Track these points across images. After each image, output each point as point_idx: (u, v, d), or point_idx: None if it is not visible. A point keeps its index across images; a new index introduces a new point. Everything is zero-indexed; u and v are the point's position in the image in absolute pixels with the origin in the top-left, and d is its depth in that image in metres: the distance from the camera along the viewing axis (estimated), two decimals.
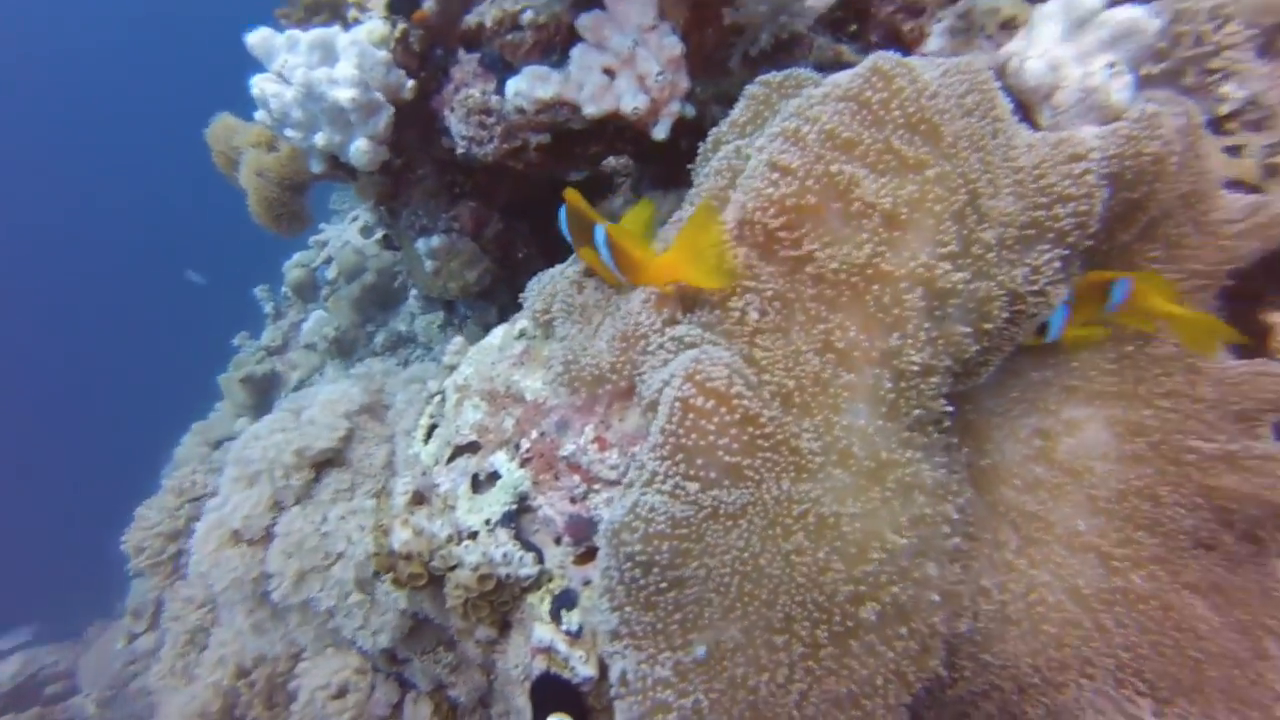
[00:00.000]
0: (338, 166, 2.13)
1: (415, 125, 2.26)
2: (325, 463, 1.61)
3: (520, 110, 1.97)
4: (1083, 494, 1.41)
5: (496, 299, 2.78)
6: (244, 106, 2.05)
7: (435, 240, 2.45)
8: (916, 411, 1.08)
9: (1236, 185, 1.83)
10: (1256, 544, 1.30)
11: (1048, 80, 1.25)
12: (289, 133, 1.88)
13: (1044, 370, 1.49)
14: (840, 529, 0.99)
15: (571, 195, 1.26)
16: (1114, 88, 1.18)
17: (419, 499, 1.32)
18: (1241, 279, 1.97)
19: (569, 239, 1.32)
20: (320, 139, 1.88)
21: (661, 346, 1.14)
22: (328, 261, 5.60)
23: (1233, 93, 1.81)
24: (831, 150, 1.06)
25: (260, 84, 1.79)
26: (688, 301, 1.19)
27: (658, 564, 1.01)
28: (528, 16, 2.10)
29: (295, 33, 1.74)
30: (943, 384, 1.12)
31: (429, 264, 2.49)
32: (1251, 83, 1.82)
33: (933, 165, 1.07)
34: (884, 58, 1.08)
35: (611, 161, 2.50)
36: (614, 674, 1.04)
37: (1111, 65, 1.18)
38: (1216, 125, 1.94)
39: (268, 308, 5.66)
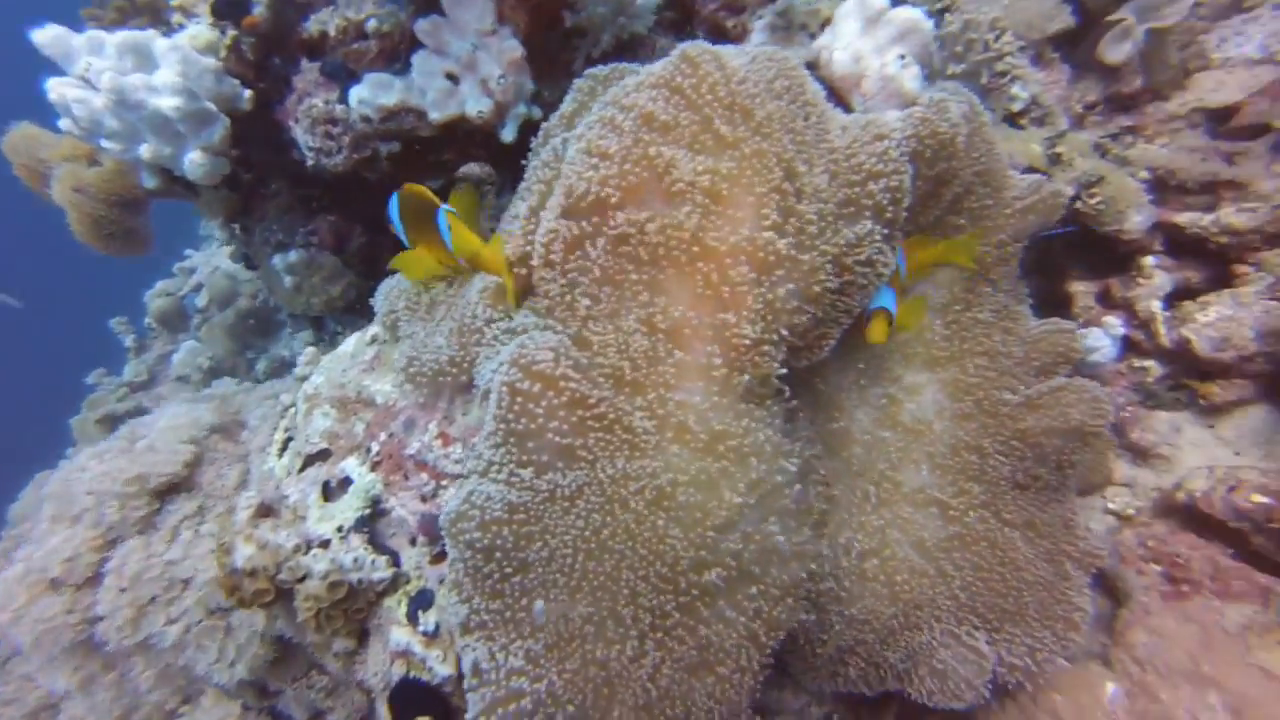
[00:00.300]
0: (174, 181, 2.01)
1: (262, 138, 2.17)
2: (170, 490, 1.49)
3: (366, 119, 1.93)
4: (923, 452, 1.52)
5: (365, 312, 2.69)
6: (37, 113, 1.88)
7: (292, 255, 2.35)
8: (750, 383, 1.13)
9: (1031, 170, 2.04)
10: (1063, 473, 1.45)
11: (853, 70, 1.34)
12: (106, 144, 1.75)
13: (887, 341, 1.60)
14: (677, 499, 1.02)
15: (409, 186, 1.25)
16: (906, 77, 1.29)
17: (265, 512, 1.25)
18: (1053, 257, 2.21)
19: (401, 234, 1.30)
20: (146, 151, 1.76)
21: (496, 338, 1.15)
22: (197, 289, 5.24)
23: (1019, 93, 2.03)
24: (648, 134, 1.10)
25: (59, 89, 1.64)
26: (525, 292, 1.20)
27: (500, 549, 1.00)
28: (372, 25, 2.06)
29: (98, 34, 1.61)
30: (777, 354, 1.17)
31: (287, 280, 2.38)
32: (1031, 86, 2.05)
33: (748, 143, 1.13)
34: (693, 46, 1.13)
35: (475, 170, 2.49)
36: (465, 665, 1.02)
37: (902, 57, 1.29)
38: (1012, 120, 2.16)
39: (128, 341, 5.22)
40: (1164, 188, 2.10)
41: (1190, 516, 1.68)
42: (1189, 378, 1.97)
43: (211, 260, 5.30)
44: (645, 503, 1.01)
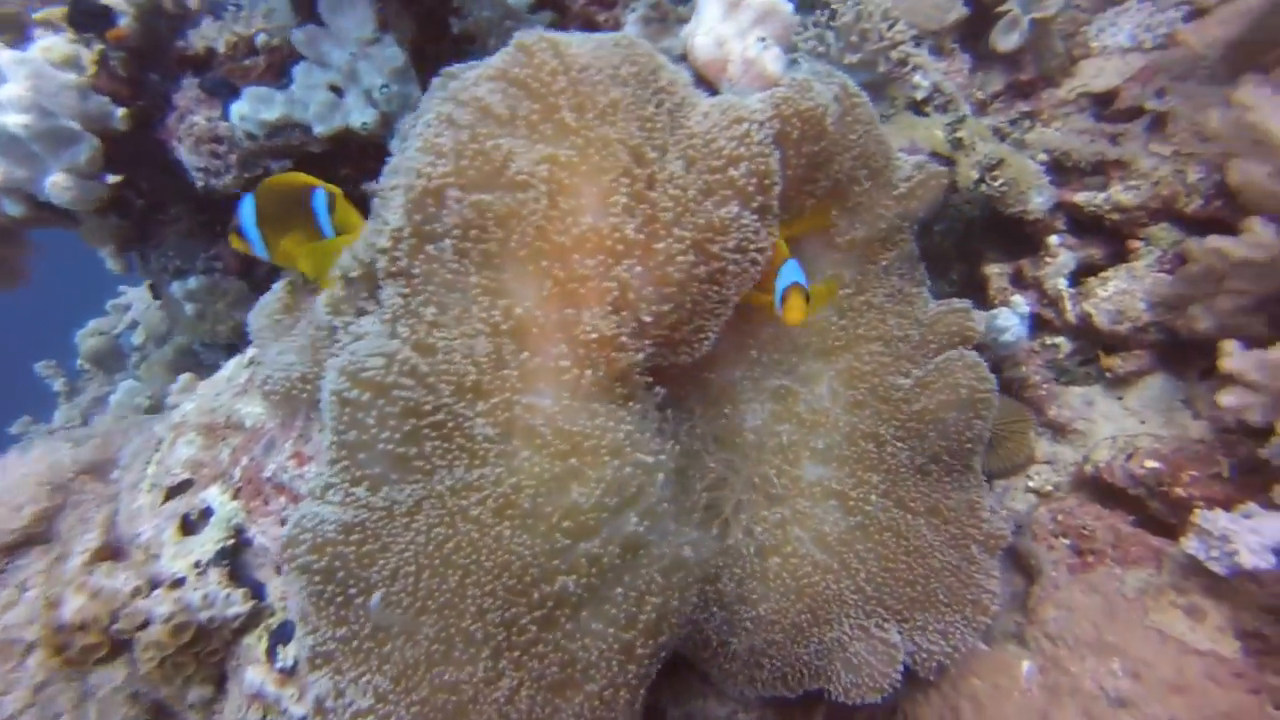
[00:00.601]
0: (43, 208, 1.91)
1: (154, 161, 2.09)
2: (22, 544, 1.38)
3: (250, 135, 1.86)
4: (820, 443, 1.48)
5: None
6: None
7: (192, 282, 2.26)
8: (604, 379, 1.08)
9: (935, 157, 2.04)
10: (964, 452, 1.42)
11: (717, 55, 1.32)
12: None
13: (778, 330, 1.56)
14: (522, 506, 0.97)
15: (271, 179, 1.17)
16: (767, 59, 1.26)
17: (109, 555, 1.17)
18: (971, 242, 2.22)
19: (257, 245, 1.24)
20: None
21: (344, 347, 1.08)
22: (133, 326, 5.07)
23: (920, 81, 2.04)
24: (486, 126, 1.06)
25: None
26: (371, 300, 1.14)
27: (340, 570, 0.94)
28: (261, 39, 2.00)
29: None
30: (636, 348, 1.13)
31: (189, 308, 2.29)
32: (932, 74, 2.06)
33: (591, 130, 1.09)
34: (528, 34, 1.10)
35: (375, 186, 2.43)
36: (309, 701, 0.95)
37: (763, 40, 1.26)
38: (916, 108, 2.17)
39: (57, 385, 5.02)
40: (1061, 169, 2.12)
41: (1096, 488, 1.67)
42: (1095, 352, 1.98)
43: (145, 295, 5.14)
44: (489, 512, 0.96)
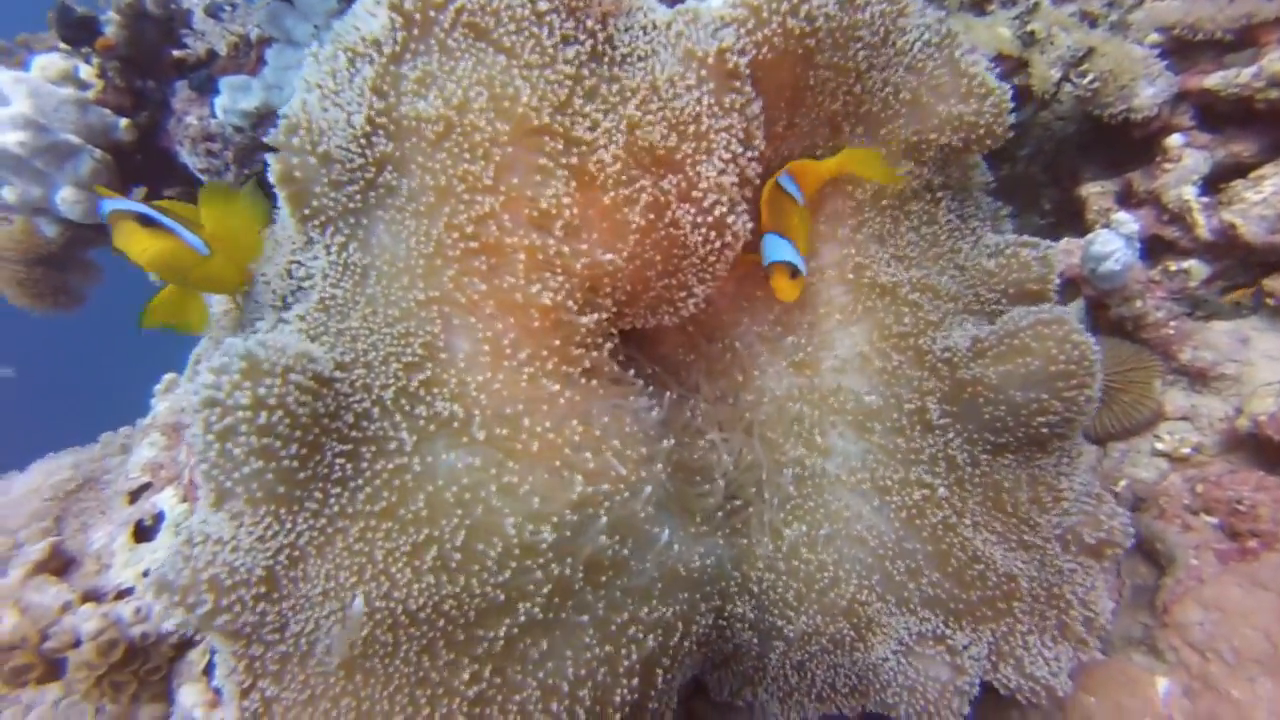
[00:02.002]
0: (78, 227, 1.95)
1: (171, 170, 2.10)
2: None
3: (238, 129, 1.81)
4: (849, 422, 1.18)
5: None
6: None
7: None
8: (553, 360, 0.88)
9: (1001, 58, 1.67)
10: (1039, 434, 1.07)
11: None
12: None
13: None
14: (442, 528, 0.77)
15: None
16: None
17: (53, 567, 1.10)
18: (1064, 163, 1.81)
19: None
20: (10, 194, 1.70)
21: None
22: None
23: None
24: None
25: None
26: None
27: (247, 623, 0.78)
28: (255, 33, 1.95)
29: None
30: (587, 316, 0.91)
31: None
32: None
33: (496, 66, 0.88)
34: None
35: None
36: None
37: None
38: (977, 5, 1.79)
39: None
40: (1186, 49, 1.67)
41: (1256, 448, 1.26)
42: (1248, 274, 1.53)
43: None
44: (409, 530, 0.78)
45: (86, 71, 1.75)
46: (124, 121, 1.83)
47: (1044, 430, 1.04)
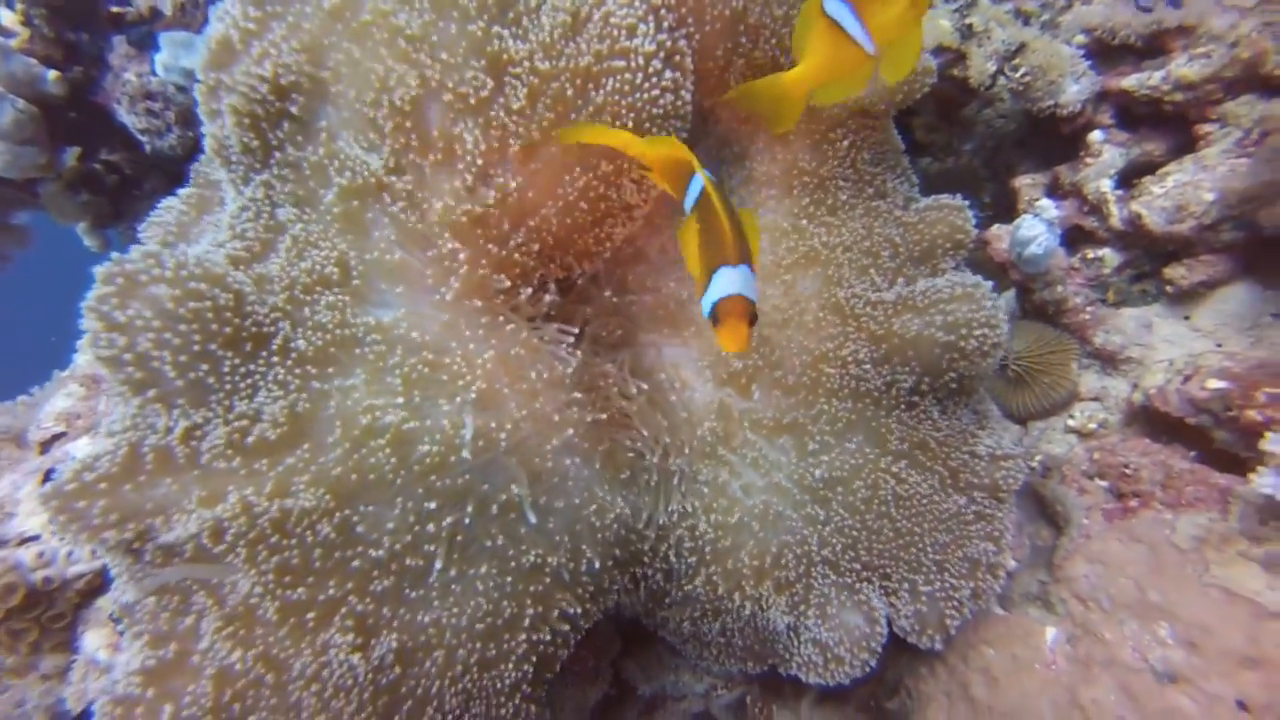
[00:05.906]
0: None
1: (110, 130, 2.03)
2: None
3: (181, 89, 1.77)
4: (771, 371, 1.22)
5: None
6: None
7: None
8: (473, 282, 0.89)
9: (941, 50, 1.73)
10: (960, 385, 1.14)
11: None
12: None
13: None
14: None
15: None
16: None
17: None
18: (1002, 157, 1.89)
19: None
20: None
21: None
22: None
23: None
24: None
25: None
26: None
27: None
28: None
29: None
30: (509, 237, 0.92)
31: None
32: None
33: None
34: None
35: None
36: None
37: None
38: None
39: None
40: (1106, 51, 1.75)
41: (1148, 420, 1.34)
42: (1152, 263, 1.63)
43: None
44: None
45: (9, 18, 1.69)
46: (52, 74, 1.77)
47: (962, 380, 1.11)
